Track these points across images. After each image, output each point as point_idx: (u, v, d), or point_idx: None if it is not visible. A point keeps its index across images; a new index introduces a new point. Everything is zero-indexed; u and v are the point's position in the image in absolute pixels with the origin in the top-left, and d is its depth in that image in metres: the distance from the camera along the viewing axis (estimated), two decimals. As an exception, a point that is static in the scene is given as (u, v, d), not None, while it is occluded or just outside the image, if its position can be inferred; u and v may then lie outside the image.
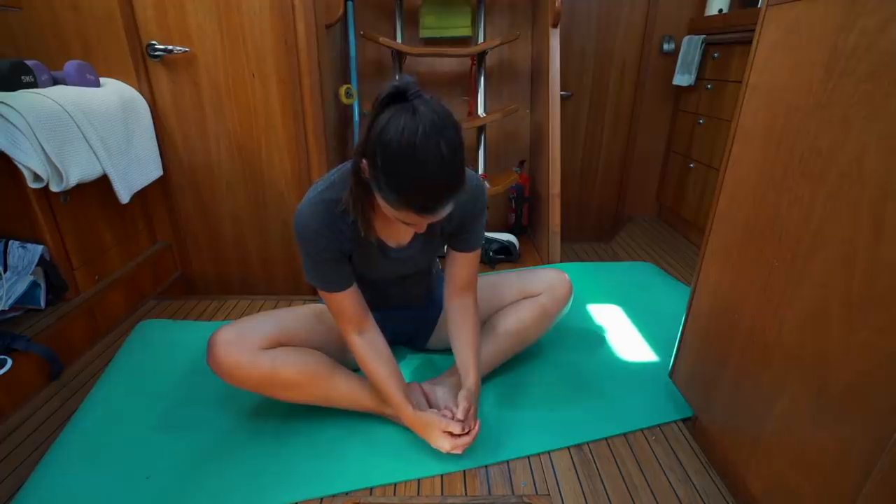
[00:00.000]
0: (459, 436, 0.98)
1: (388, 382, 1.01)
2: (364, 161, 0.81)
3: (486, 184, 2.01)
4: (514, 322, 1.19)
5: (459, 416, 0.99)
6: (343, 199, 0.92)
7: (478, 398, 1.07)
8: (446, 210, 0.80)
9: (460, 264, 1.08)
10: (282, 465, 1.00)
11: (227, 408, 1.16)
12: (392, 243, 1.04)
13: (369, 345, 1.03)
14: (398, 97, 0.76)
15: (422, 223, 0.85)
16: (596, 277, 1.81)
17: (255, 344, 1.00)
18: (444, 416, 1.01)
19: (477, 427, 1.00)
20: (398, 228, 1.00)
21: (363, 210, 0.92)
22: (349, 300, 1.00)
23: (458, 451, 1.00)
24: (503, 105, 2.21)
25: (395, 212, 0.81)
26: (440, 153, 0.74)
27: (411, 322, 1.29)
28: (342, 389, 1.06)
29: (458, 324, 1.09)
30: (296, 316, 1.12)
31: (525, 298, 1.21)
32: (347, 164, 0.93)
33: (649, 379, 1.26)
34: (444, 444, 0.99)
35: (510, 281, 1.24)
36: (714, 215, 1.00)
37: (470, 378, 1.04)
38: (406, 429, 1.07)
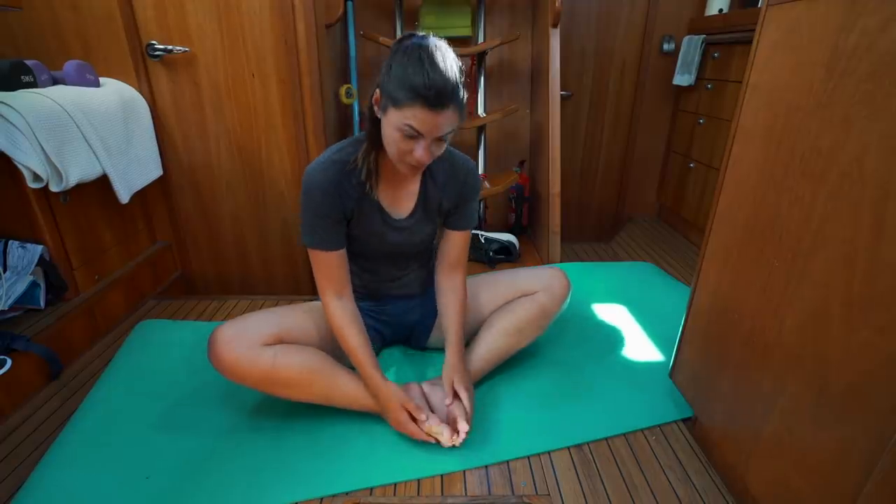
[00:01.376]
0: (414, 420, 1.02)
1: (361, 350, 1.04)
2: (377, 92, 0.94)
3: (486, 184, 2.02)
4: (513, 320, 1.19)
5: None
6: (352, 160, 1.02)
7: (460, 372, 1.08)
8: (448, 117, 0.89)
9: (453, 242, 1.17)
10: (282, 465, 1.00)
11: (226, 408, 1.16)
12: (392, 211, 1.10)
13: (345, 310, 1.07)
14: (411, 37, 0.92)
15: (426, 129, 0.89)
16: (596, 277, 1.81)
17: (256, 340, 1.00)
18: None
19: (463, 422, 1.02)
20: (400, 194, 1.10)
21: (373, 162, 1.03)
22: (336, 261, 1.06)
23: (418, 437, 1.02)
24: (503, 105, 2.21)
25: (402, 114, 0.88)
26: (446, 60, 0.88)
27: (410, 314, 1.29)
28: (343, 388, 1.06)
29: (445, 305, 1.17)
30: (297, 313, 1.12)
31: (523, 297, 1.21)
32: (360, 134, 1.05)
33: (649, 379, 1.26)
34: (408, 427, 1.01)
35: (507, 279, 1.25)
36: (714, 215, 1.00)
37: (449, 355, 1.10)
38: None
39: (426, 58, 0.86)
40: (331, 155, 1.03)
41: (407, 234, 1.13)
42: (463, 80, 0.91)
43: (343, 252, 1.07)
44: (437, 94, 0.85)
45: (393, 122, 0.91)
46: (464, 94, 0.92)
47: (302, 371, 1.02)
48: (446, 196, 1.13)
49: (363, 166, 1.02)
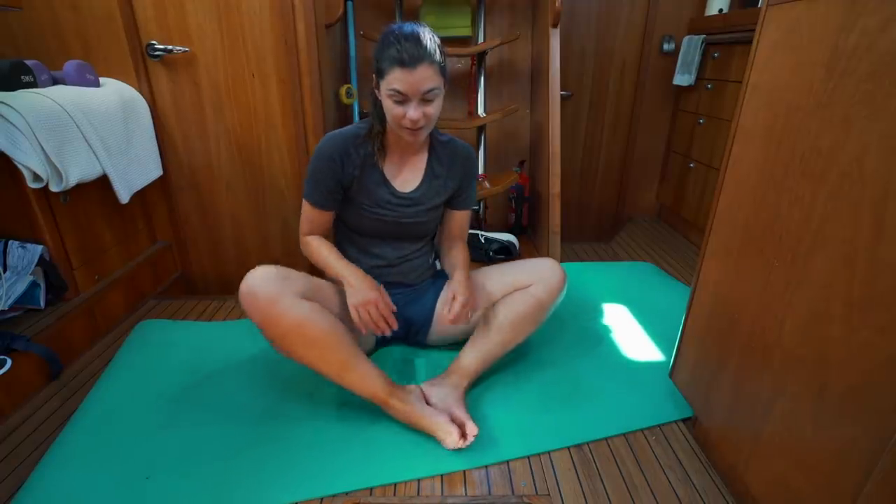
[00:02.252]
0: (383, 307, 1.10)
1: (335, 254, 1.19)
2: (374, 80, 1.09)
3: (486, 184, 2.02)
4: (509, 315, 1.19)
5: (455, 302, 1.12)
6: (364, 133, 1.17)
7: (461, 282, 1.16)
8: (424, 73, 1.01)
9: (455, 220, 1.32)
10: (282, 465, 1.00)
11: (226, 408, 1.16)
12: (399, 185, 1.21)
13: (321, 239, 1.23)
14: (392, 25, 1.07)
15: (408, 88, 1.01)
16: (596, 277, 1.81)
17: (295, 290, 1.03)
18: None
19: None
20: (406, 168, 1.21)
21: (378, 138, 1.17)
22: (319, 217, 1.21)
23: (372, 326, 1.08)
24: (503, 105, 2.20)
25: (387, 82, 1.02)
26: (417, 30, 1.03)
27: (409, 307, 1.29)
28: (359, 368, 1.06)
29: (449, 254, 1.30)
30: (326, 285, 1.19)
31: (517, 291, 1.21)
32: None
33: (649, 379, 1.26)
34: (371, 300, 1.08)
35: (501, 273, 1.26)
36: (714, 215, 1.00)
37: (455, 275, 1.20)
38: (406, 429, 1.07)
39: (399, 32, 1.02)
40: (348, 128, 1.18)
41: (410, 207, 1.21)
42: (440, 48, 1.05)
43: (329, 214, 1.22)
44: (409, 55, 0.99)
45: (384, 93, 1.05)
46: (442, 59, 1.05)
47: (330, 334, 1.03)
48: (451, 175, 1.24)
49: (372, 141, 1.16)
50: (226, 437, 1.07)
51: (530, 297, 1.19)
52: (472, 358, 1.17)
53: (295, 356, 1.04)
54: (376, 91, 1.10)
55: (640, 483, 0.98)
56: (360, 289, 1.10)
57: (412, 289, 1.31)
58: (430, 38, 1.03)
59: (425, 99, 1.04)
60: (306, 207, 1.21)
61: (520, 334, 1.21)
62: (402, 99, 1.03)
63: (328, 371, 1.06)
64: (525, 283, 1.21)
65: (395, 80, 1.01)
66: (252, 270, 1.05)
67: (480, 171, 2.13)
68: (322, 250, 1.20)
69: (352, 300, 1.09)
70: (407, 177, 1.22)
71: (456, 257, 1.28)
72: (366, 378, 1.06)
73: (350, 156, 1.15)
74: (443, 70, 1.06)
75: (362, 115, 2.02)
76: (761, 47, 0.86)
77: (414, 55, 1.00)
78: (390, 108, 1.06)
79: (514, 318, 1.19)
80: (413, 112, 1.04)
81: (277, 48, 1.50)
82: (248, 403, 1.17)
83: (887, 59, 0.60)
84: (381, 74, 1.05)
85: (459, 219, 1.31)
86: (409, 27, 1.03)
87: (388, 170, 1.20)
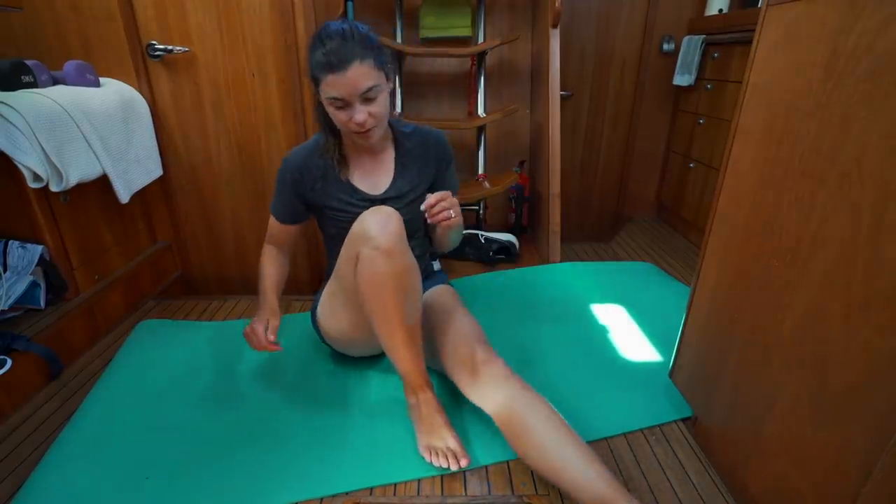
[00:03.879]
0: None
1: (271, 277, 1.21)
2: (313, 89, 1.03)
3: (486, 184, 2.01)
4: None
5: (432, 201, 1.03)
6: (323, 144, 1.14)
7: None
8: (358, 73, 0.95)
9: None
10: (282, 465, 1.00)
11: (226, 408, 1.16)
12: (369, 188, 1.17)
13: (273, 253, 1.25)
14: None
15: (345, 92, 0.97)
16: (596, 277, 1.81)
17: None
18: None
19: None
20: (373, 171, 1.18)
21: (336, 147, 1.14)
22: (282, 231, 1.24)
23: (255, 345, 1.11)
24: (503, 105, 2.20)
25: (324, 91, 0.98)
26: (343, 25, 0.97)
27: None
28: (417, 345, 1.03)
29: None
30: None
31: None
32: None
33: (649, 379, 1.26)
34: (250, 338, 1.11)
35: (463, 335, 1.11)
36: (714, 215, 1.00)
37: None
38: (406, 429, 1.07)
39: (323, 33, 0.97)
40: (310, 140, 1.17)
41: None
42: (372, 41, 0.99)
43: (290, 228, 1.24)
44: (337, 58, 0.94)
45: (325, 102, 1.01)
46: (377, 52, 0.99)
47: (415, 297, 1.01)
48: (425, 163, 1.21)
49: (329, 151, 1.14)
50: (226, 437, 1.07)
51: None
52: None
53: (371, 305, 0.98)
54: (319, 100, 1.06)
55: (640, 483, 0.98)
56: (255, 317, 1.14)
57: None
58: (356, 35, 0.97)
59: (367, 98, 0.99)
60: (270, 219, 1.24)
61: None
62: (342, 104, 0.99)
63: (393, 331, 0.99)
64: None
65: (329, 86, 0.97)
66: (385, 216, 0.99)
67: (480, 170, 2.13)
68: (264, 268, 1.23)
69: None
70: (376, 179, 1.18)
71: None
72: (419, 357, 1.03)
73: (310, 169, 1.14)
74: (380, 64, 1.00)
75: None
76: (761, 47, 0.87)
77: (342, 57, 0.94)
78: (335, 114, 1.02)
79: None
80: (358, 115, 0.99)
81: (277, 47, 1.50)
82: (247, 403, 1.17)
83: (886, 60, 0.60)
84: (316, 83, 1.00)
85: None
86: (334, 26, 0.98)
87: (357, 176, 1.17)
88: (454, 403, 1.14)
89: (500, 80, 2.24)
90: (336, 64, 0.94)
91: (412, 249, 1.21)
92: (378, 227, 0.96)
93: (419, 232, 1.27)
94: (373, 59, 0.97)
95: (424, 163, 1.21)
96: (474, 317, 1.17)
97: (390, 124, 1.19)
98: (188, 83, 1.55)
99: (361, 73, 0.96)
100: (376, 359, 1.33)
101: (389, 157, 1.19)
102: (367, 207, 1.09)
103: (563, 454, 0.88)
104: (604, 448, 1.06)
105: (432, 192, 1.12)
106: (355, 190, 1.16)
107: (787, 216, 0.77)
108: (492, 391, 0.99)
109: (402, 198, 1.19)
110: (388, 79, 1.04)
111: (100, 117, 1.34)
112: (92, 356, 1.36)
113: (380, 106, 1.02)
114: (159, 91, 1.57)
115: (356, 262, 0.99)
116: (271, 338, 1.10)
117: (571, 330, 1.47)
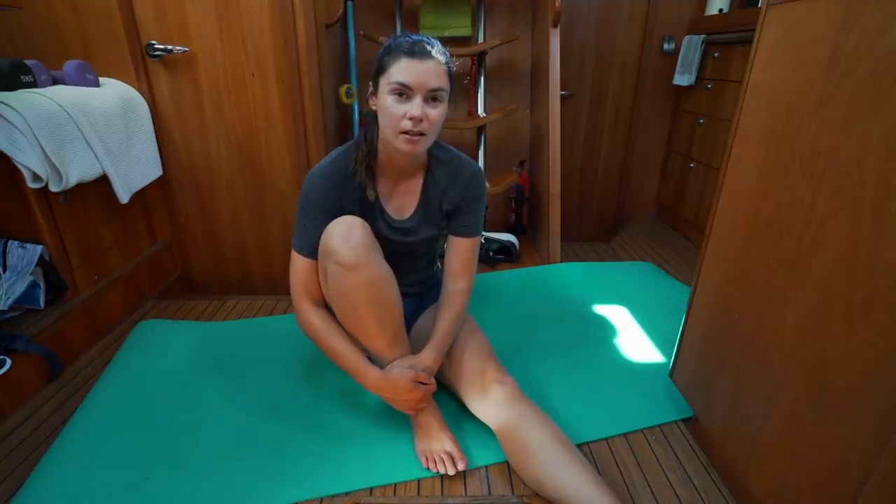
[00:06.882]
0: (424, 385, 1.00)
1: (350, 349, 1.01)
2: (371, 86, 1.00)
3: (486, 184, 2.01)
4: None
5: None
6: (349, 163, 1.05)
7: (427, 368, 1.03)
8: (435, 67, 0.93)
9: (455, 249, 1.13)
10: (282, 465, 1.00)
11: (226, 408, 1.16)
12: (393, 212, 1.10)
13: (327, 318, 1.04)
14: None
15: (416, 80, 0.93)
16: (596, 277, 1.81)
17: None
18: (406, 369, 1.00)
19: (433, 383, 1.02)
20: (401, 193, 1.10)
21: (368, 162, 1.05)
22: (316, 273, 1.04)
23: (419, 405, 1.01)
24: (503, 105, 2.20)
25: (390, 76, 0.93)
26: (429, 37, 0.98)
27: (415, 312, 1.26)
28: (402, 345, 1.03)
29: (439, 307, 1.11)
30: None
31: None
32: (359, 135, 1.08)
33: (649, 379, 1.26)
34: (414, 396, 0.99)
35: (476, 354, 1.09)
36: (714, 215, 1.00)
37: (426, 354, 1.03)
38: (406, 429, 1.07)
39: (407, 34, 0.97)
40: (333, 158, 1.06)
41: (407, 237, 1.12)
42: (449, 56, 0.99)
43: None
44: (420, 48, 0.93)
45: (385, 90, 0.95)
46: (452, 65, 0.98)
47: (371, 302, 0.97)
48: (447, 198, 1.10)
49: (361, 167, 1.05)
50: (225, 438, 1.07)
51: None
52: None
53: (353, 315, 0.98)
54: (372, 100, 1.01)
55: (640, 483, 0.98)
56: (396, 394, 1.00)
57: (414, 297, 1.28)
58: (439, 44, 0.98)
59: (431, 97, 0.95)
60: (300, 263, 1.05)
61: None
62: (405, 92, 0.93)
63: (372, 341, 1.00)
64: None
65: (402, 70, 0.92)
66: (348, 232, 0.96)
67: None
68: (334, 341, 1.02)
69: (399, 406, 1.03)
70: (400, 202, 1.10)
71: (442, 314, 1.08)
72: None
73: (345, 189, 1.04)
74: (450, 76, 0.98)
75: (362, 116, 2.02)
76: (761, 47, 0.86)
77: (426, 49, 0.93)
78: (390, 107, 0.94)
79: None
80: (415, 109, 0.92)
81: (277, 48, 1.50)
82: (247, 403, 1.17)
83: (887, 59, 0.60)
84: (382, 70, 0.95)
85: (459, 249, 1.12)
86: (414, 34, 0.99)
87: (383, 196, 1.09)
88: (452, 403, 1.14)
89: (500, 80, 2.24)
90: (418, 52, 0.93)
91: (420, 269, 1.21)
92: (340, 239, 0.94)
93: (427, 257, 1.24)
94: (447, 68, 0.97)
95: (449, 196, 1.10)
96: (482, 330, 1.16)
97: (430, 149, 1.09)
98: (188, 83, 1.55)
99: (437, 71, 0.94)
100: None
101: (418, 182, 1.10)
102: (390, 236, 1.09)
103: (562, 475, 0.89)
104: (604, 448, 1.06)
105: (452, 227, 1.13)
106: (384, 212, 1.09)
107: (788, 216, 0.77)
108: (500, 409, 0.99)
109: (417, 233, 1.13)
110: (450, 97, 1.00)
111: (99, 117, 1.34)
112: (92, 356, 1.36)
113: (438, 113, 0.97)
114: (159, 91, 1.56)
115: (326, 278, 0.98)
116: (422, 378, 1.00)
117: (571, 330, 1.47)
